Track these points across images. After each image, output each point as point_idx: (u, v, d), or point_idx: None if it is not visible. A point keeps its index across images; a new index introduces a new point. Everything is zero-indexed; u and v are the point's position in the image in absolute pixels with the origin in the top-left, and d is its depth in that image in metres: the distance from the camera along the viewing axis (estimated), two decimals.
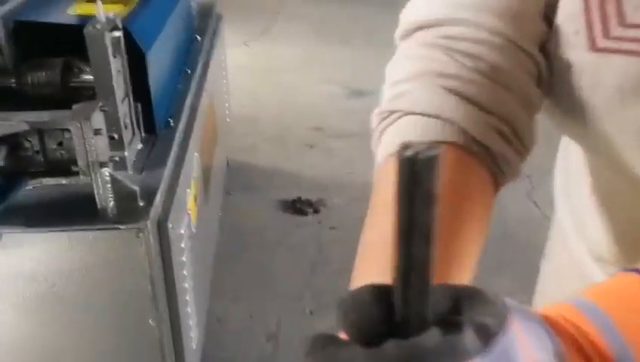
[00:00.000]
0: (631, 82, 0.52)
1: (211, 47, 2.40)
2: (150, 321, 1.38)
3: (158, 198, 1.40)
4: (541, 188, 3.02)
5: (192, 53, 2.20)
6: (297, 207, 3.09)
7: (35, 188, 1.27)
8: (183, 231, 1.55)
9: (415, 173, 0.28)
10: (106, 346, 1.41)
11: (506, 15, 0.56)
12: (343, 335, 0.32)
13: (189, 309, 1.60)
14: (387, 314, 0.31)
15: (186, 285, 1.57)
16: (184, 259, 1.55)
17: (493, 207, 0.58)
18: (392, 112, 0.58)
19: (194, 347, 1.69)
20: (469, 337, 0.30)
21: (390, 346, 0.30)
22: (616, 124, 0.55)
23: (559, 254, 0.88)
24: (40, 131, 1.23)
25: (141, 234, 1.30)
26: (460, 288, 0.34)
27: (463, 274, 0.51)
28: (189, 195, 1.65)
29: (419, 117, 0.55)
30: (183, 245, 1.54)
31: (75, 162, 1.25)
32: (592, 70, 0.54)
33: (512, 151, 0.56)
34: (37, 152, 1.25)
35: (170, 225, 1.39)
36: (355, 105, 3.92)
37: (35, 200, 1.28)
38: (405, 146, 0.28)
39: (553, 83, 0.59)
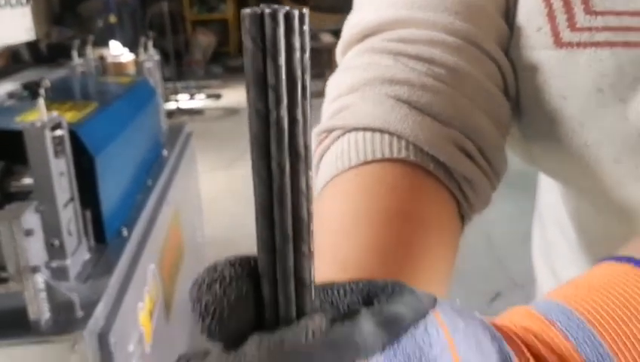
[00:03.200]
0: (609, 80, 0.42)
1: (178, 162, 2.36)
2: None
3: (100, 309, 1.27)
4: None
5: (156, 166, 2.15)
6: None
7: None
8: (131, 349, 1.40)
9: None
10: None
11: (464, 12, 0.47)
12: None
13: None
14: (254, 296, 0.23)
15: None
16: None
17: (458, 244, 0.46)
18: (330, 131, 0.46)
19: None
20: (365, 327, 0.22)
21: (251, 345, 0.22)
22: (597, 135, 0.45)
23: None
24: None
25: (77, 347, 1.16)
26: (375, 282, 0.26)
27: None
28: (140, 309, 1.52)
29: (362, 133, 0.43)
30: None
31: (4, 267, 1.14)
32: (560, 71, 0.45)
33: (478, 171, 0.44)
34: None
35: (112, 339, 1.25)
36: None
37: None
38: None
39: (519, 97, 0.49)
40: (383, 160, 0.42)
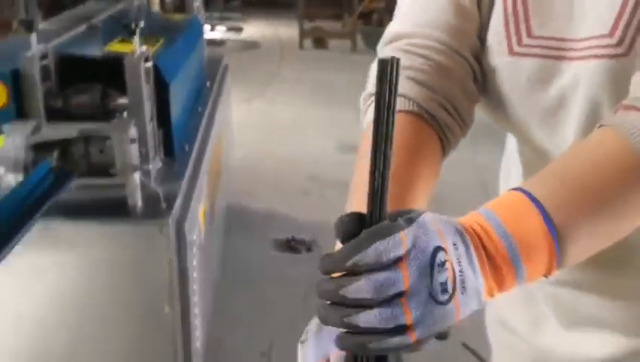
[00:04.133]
0: (536, 76, 0.78)
1: (219, 91, 2.70)
2: (165, 308, 1.59)
3: (178, 203, 1.64)
4: None
5: (203, 95, 2.49)
6: (292, 245, 3.31)
7: (78, 186, 1.51)
8: (195, 238, 1.78)
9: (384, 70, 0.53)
10: (126, 329, 1.62)
11: (450, 31, 0.82)
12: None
13: (196, 311, 1.80)
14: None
15: (195, 287, 1.79)
16: (194, 263, 1.77)
17: (440, 167, 0.82)
18: (372, 95, 0.83)
19: (198, 347, 1.89)
20: (401, 221, 0.55)
21: (360, 236, 0.53)
22: (527, 109, 0.81)
23: None
24: (85, 139, 1.49)
25: (163, 230, 1.54)
26: (401, 209, 0.59)
27: (415, 206, 0.75)
28: (200, 209, 1.89)
29: None
30: (194, 251, 1.77)
31: (112, 166, 1.50)
32: (510, 69, 0.80)
33: (454, 122, 0.80)
34: (82, 157, 1.50)
35: (186, 227, 1.62)
36: (348, 159, 4.20)
37: (79, 197, 1.52)
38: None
39: (486, 85, 0.85)
40: (400, 111, 0.77)
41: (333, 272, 0.52)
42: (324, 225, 3.45)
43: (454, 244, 0.55)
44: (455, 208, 0.75)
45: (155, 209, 1.57)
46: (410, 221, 0.54)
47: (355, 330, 0.51)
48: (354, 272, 0.51)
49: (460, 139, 0.84)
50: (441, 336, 0.54)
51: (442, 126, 0.79)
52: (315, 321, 0.61)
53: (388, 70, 0.52)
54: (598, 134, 0.67)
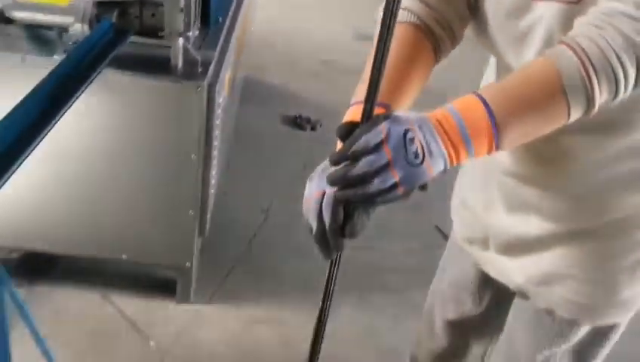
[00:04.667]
0: (513, 10, 1.02)
1: None
2: (193, 156, 1.92)
3: (211, 68, 1.92)
4: None
5: None
6: (297, 122, 3.61)
7: (132, 43, 1.78)
8: (220, 101, 2.07)
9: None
10: (158, 170, 1.95)
11: None
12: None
13: (214, 161, 2.13)
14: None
15: (216, 143, 2.10)
16: (217, 122, 2.08)
17: (431, 70, 1.09)
18: None
19: (212, 191, 2.23)
20: (380, 117, 0.83)
21: (354, 133, 0.82)
22: (503, 34, 1.07)
23: None
24: (141, 2, 1.74)
25: (198, 90, 1.83)
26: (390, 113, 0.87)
27: (406, 100, 1.02)
28: (227, 76, 2.17)
29: (401, 10, 1.04)
30: (219, 112, 2.06)
31: (161, 29, 1.76)
32: (494, 1, 1.05)
33: (446, 37, 1.06)
34: (136, 18, 1.76)
35: (217, 89, 1.91)
36: (361, 48, 4.39)
37: (131, 52, 1.79)
38: None
39: (477, 12, 1.09)
40: (403, 22, 1.03)
41: (340, 162, 0.81)
42: (330, 108, 3.77)
43: (420, 126, 0.85)
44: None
45: (193, 71, 1.85)
46: (387, 117, 0.83)
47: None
48: (354, 159, 0.80)
49: (450, 51, 1.09)
50: (422, 188, 0.83)
51: (437, 38, 1.05)
52: (322, 164, 0.88)
53: (392, 5, 0.78)
54: (537, 59, 0.94)
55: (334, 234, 0.84)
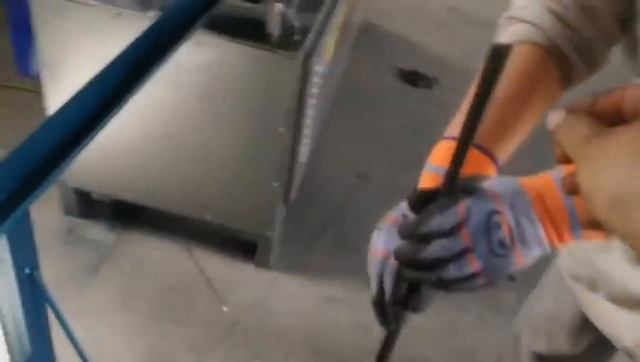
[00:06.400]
0: None
1: None
2: (281, 129, 1.80)
3: (310, 37, 1.77)
4: None
5: None
6: (412, 78, 3.39)
7: (228, 5, 1.66)
8: (319, 69, 1.92)
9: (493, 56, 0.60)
10: (245, 138, 1.86)
11: None
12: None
13: (307, 131, 2.01)
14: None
15: (310, 111, 1.97)
16: (314, 91, 1.94)
17: (555, 105, 0.88)
18: (513, 18, 0.87)
19: (302, 160, 2.13)
20: (460, 193, 0.67)
21: (426, 210, 0.67)
22: None
23: None
24: None
25: (292, 62, 1.69)
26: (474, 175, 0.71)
27: (512, 144, 0.81)
28: (330, 40, 2.01)
29: (528, 25, 0.85)
30: (316, 80, 1.92)
31: (259, 1, 1.62)
32: None
33: (582, 63, 0.84)
34: None
35: (313, 60, 1.76)
36: None
37: (227, 15, 1.67)
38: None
39: (631, 25, 0.84)
40: (530, 42, 0.82)
41: (408, 238, 0.68)
42: (449, 64, 3.50)
43: (512, 205, 0.67)
44: None
45: (289, 40, 1.71)
46: (470, 191, 0.67)
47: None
48: (424, 239, 0.66)
49: (586, 79, 0.87)
50: (511, 278, 0.69)
51: (570, 64, 0.84)
52: (395, 211, 0.75)
53: (497, 57, 0.57)
54: None
55: (394, 305, 0.72)
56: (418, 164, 0.80)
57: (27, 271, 0.98)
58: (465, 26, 3.93)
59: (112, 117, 1.25)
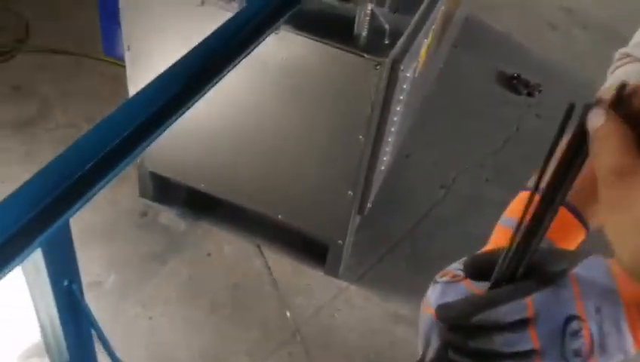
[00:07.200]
0: None
1: None
2: (360, 137, 1.69)
3: (401, 41, 1.63)
4: None
5: None
6: (514, 83, 3.16)
7: (316, 3, 1.56)
8: (408, 75, 1.78)
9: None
10: (323, 142, 1.76)
11: None
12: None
13: (389, 139, 1.89)
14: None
15: (395, 118, 1.84)
16: (401, 98, 1.81)
17: None
18: (629, 55, 0.77)
19: (382, 168, 2.00)
20: (532, 283, 0.54)
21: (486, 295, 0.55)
22: None
23: None
24: None
25: (379, 67, 1.57)
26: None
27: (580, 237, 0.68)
28: (424, 44, 1.86)
29: None
30: (405, 86, 1.79)
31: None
32: None
33: None
34: None
35: (401, 67, 1.63)
36: None
37: (314, 12, 1.57)
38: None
39: None
40: None
41: (454, 324, 0.55)
42: (556, 72, 3.24)
43: (598, 309, 0.54)
44: None
45: (378, 44, 1.59)
46: (545, 280, 0.54)
47: None
48: (479, 327, 0.54)
49: None
50: None
51: None
52: (455, 265, 0.65)
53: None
54: None
55: None
56: (507, 179, 0.67)
57: (65, 283, 0.93)
58: (578, 29, 3.64)
59: (188, 106, 1.21)
